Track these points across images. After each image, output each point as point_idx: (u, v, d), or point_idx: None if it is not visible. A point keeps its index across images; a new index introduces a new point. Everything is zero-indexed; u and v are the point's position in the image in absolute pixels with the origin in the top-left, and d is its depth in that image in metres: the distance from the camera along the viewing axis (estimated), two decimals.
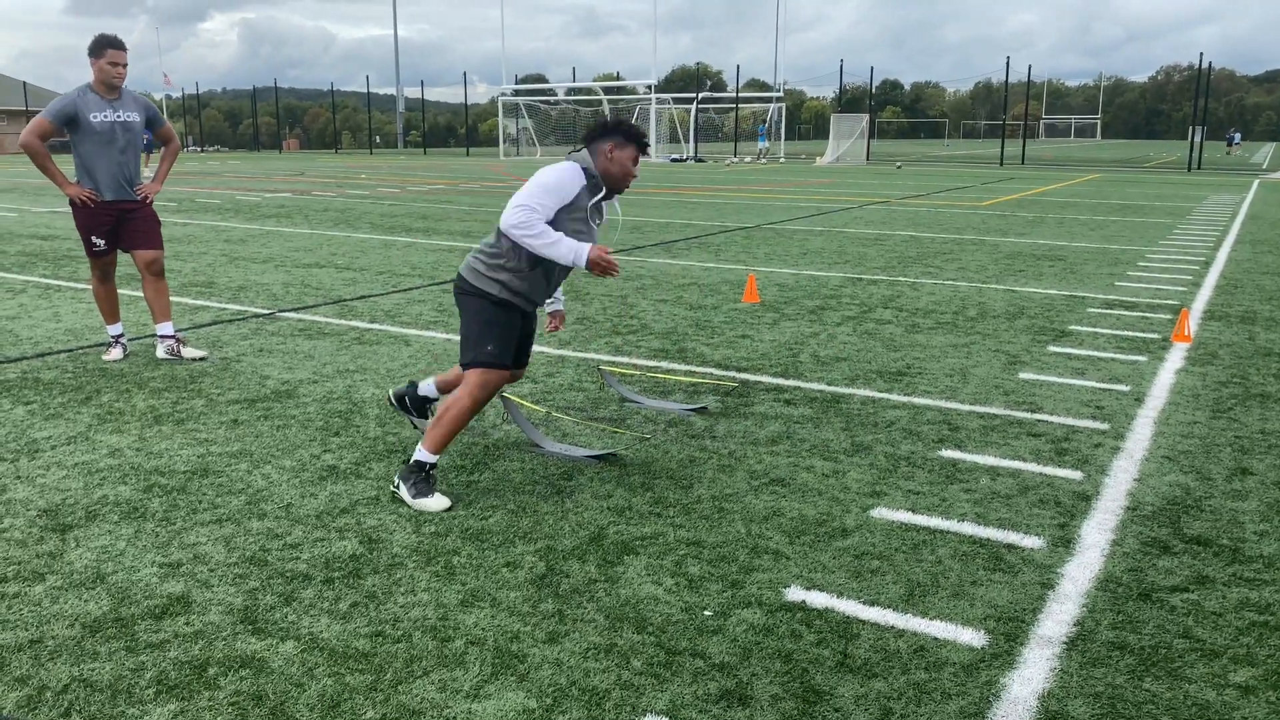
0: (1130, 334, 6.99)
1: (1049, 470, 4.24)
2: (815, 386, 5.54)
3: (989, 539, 3.54)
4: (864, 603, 3.05)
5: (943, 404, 5.23)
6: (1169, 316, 7.63)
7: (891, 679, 2.64)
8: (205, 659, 2.70)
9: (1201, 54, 42.92)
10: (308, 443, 4.51)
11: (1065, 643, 2.84)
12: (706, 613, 2.98)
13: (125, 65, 5.81)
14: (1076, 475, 4.19)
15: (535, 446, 4.44)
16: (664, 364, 6.01)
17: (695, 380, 5.64)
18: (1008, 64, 40.63)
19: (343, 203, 18.95)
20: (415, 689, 2.58)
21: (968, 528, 3.62)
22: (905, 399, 5.32)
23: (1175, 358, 6.29)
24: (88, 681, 2.59)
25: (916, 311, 7.80)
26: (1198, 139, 37.03)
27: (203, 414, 4.93)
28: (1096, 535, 3.58)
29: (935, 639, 2.85)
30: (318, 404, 5.12)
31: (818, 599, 3.07)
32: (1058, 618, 2.98)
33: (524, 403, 4.90)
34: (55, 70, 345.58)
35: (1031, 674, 2.68)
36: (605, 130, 4.03)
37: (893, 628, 2.91)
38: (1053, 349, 6.52)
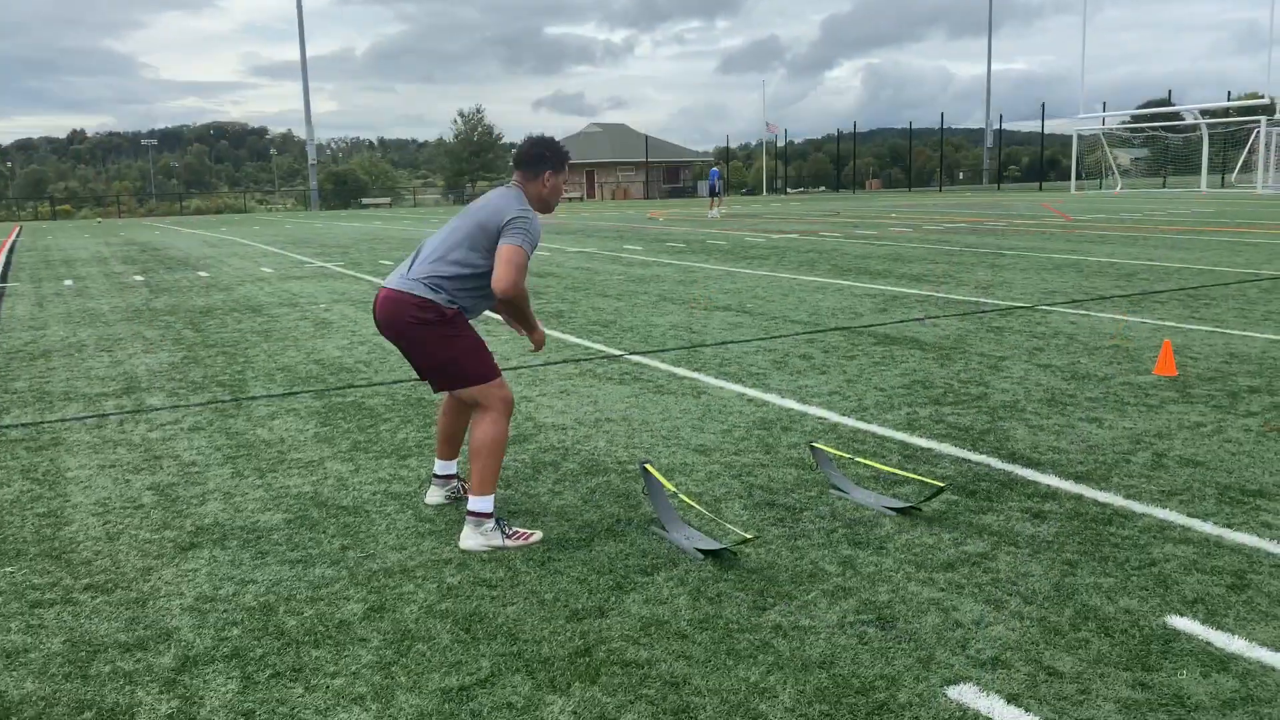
0: None
1: None
2: (1104, 498, 4.19)
3: None
4: None
5: (1274, 547, 3.62)
6: None
7: None
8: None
9: None
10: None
11: None
12: None
13: None
14: None
15: (660, 528, 3.95)
16: (942, 447, 5.00)
17: (900, 473, 4.61)
18: None
19: (833, 244, 18.94)
20: None
21: None
22: (1220, 531, 3.78)
23: None
24: None
25: None
26: None
27: (433, 450, 5.19)
28: None
29: None
30: (544, 452, 5.11)
31: None
32: None
33: (662, 480, 4.43)
34: (703, 124, 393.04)
35: None
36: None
37: None
38: None
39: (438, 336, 3.85)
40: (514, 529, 3.89)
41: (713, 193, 34.71)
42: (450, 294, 3.87)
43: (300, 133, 78.23)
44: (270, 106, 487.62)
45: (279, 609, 3.36)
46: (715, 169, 35.81)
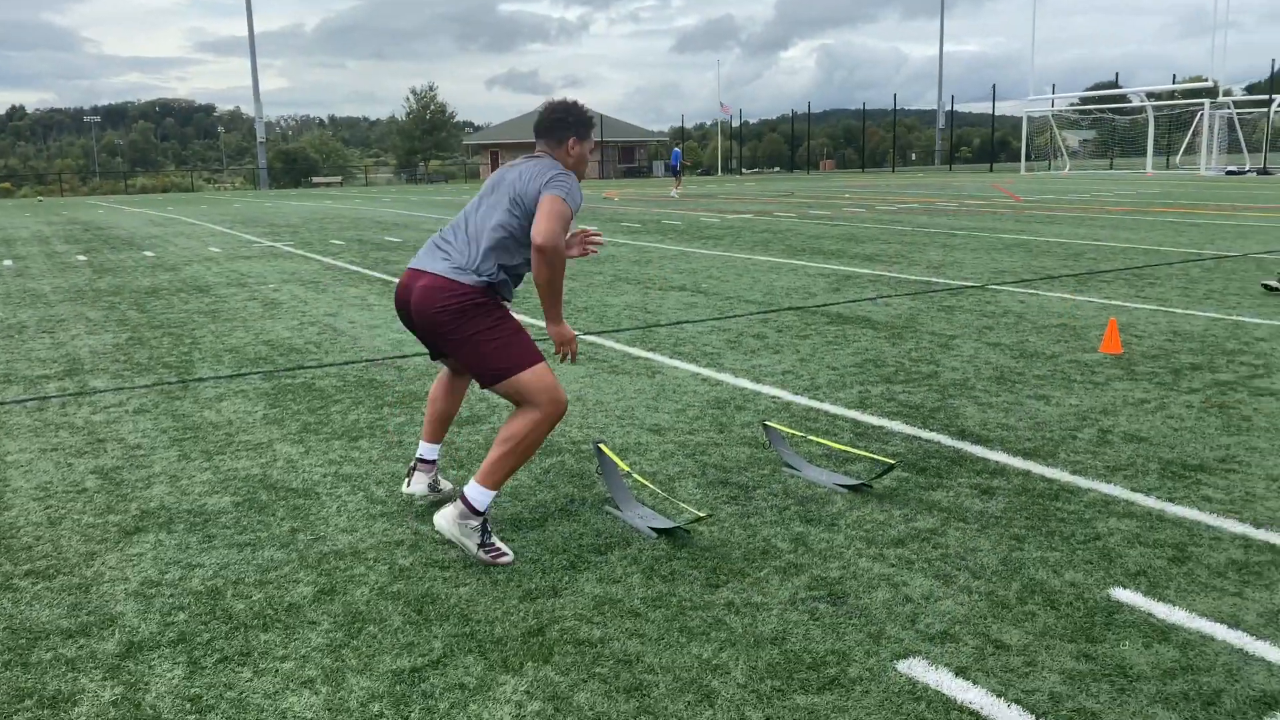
0: None
1: (1262, 650, 2.77)
2: (1051, 473, 4.26)
3: None
4: None
5: (1213, 520, 3.71)
6: None
7: None
8: None
9: None
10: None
11: None
12: None
13: None
14: None
15: (614, 507, 3.95)
16: (893, 425, 5.05)
17: (852, 451, 4.65)
18: None
19: (789, 224, 19.01)
20: None
21: None
22: (1163, 505, 3.86)
23: None
24: None
25: None
26: None
27: (385, 431, 5.14)
28: None
29: None
30: (497, 433, 5.08)
31: None
32: None
33: (616, 459, 4.42)
34: (657, 104, 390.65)
35: None
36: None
37: None
38: None
39: (480, 325, 3.52)
40: (493, 543, 3.50)
41: (674, 172, 34.90)
42: (487, 275, 3.56)
43: (249, 110, 76.92)
44: (218, 83, 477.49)
45: (227, 593, 3.31)
46: (677, 150, 35.90)
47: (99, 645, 2.97)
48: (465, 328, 3.52)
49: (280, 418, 5.48)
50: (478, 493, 3.50)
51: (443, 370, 4.05)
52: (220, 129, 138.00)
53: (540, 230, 3.43)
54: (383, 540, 3.72)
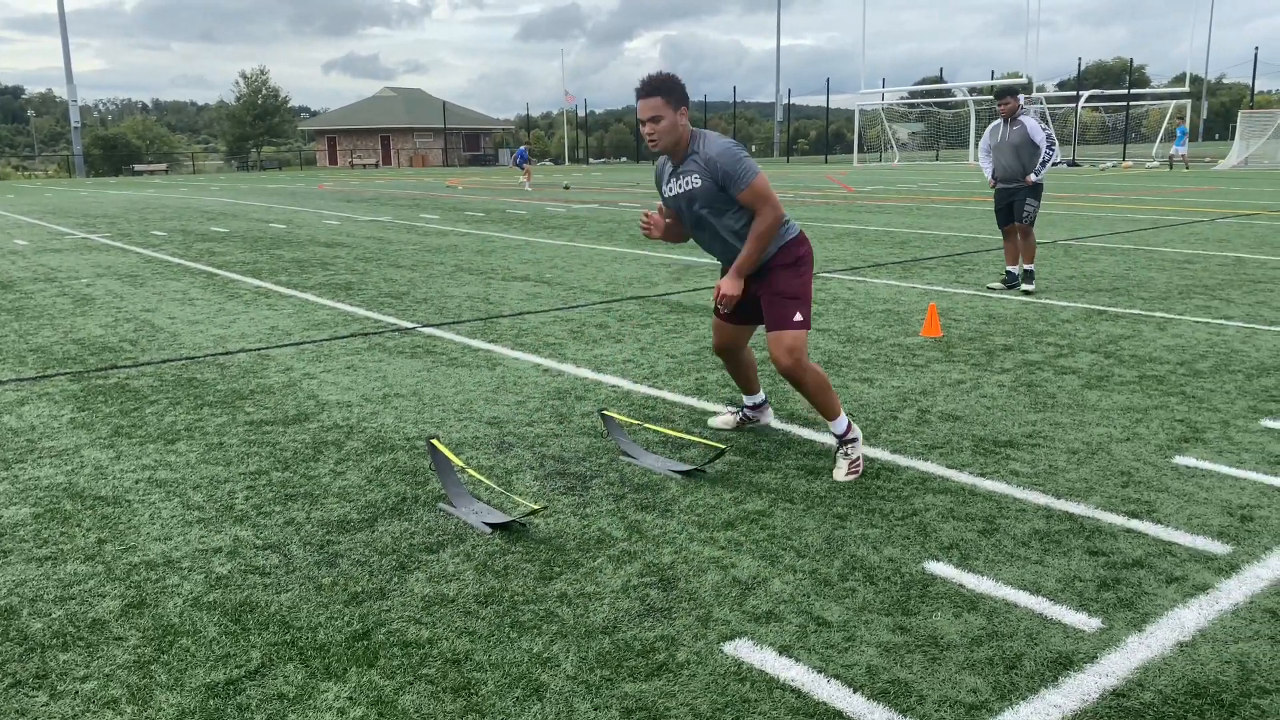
0: None
1: (1058, 613, 2.96)
2: (873, 453, 4.44)
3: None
4: None
5: (1020, 492, 3.94)
6: None
7: None
8: None
9: None
10: (240, 475, 4.28)
11: None
12: None
13: (651, 121, 4.07)
14: (1093, 624, 2.88)
15: (447, 504, 3.88)
16: (727, 411, 5.15)
17: (687, 438, 4.75)
18: None
19: (632, 214, 19.16)
20: None
21: (832, 694, 2.57)
22: (975, 480, 4.08)
23: None
24: None
25: (1127, 360, 6.15)
26: None
27: (204, 433, 4.89)
28: None
29: None
30: (326, 431, 4.91)
31: None
32: None
33: (449, 454, 4.36)
34: (503, 91, 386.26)
35: None
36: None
37: None
38: (1268, 424, 4.79)
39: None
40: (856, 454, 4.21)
41: (520, 166, 34.62)
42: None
43: (62, 93, 71.87)
44: (26, 63, 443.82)
45: (22, 611, 3.08)
46: (523, 148, 35.76)
47: None
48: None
49: (89, 421, 5.15)
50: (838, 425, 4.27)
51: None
52: (30, 113, 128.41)
53: (763, 216, 4.18)
54: (199, 548, 3.53)
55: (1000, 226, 9.14)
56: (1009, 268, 9.07)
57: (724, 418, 4.89)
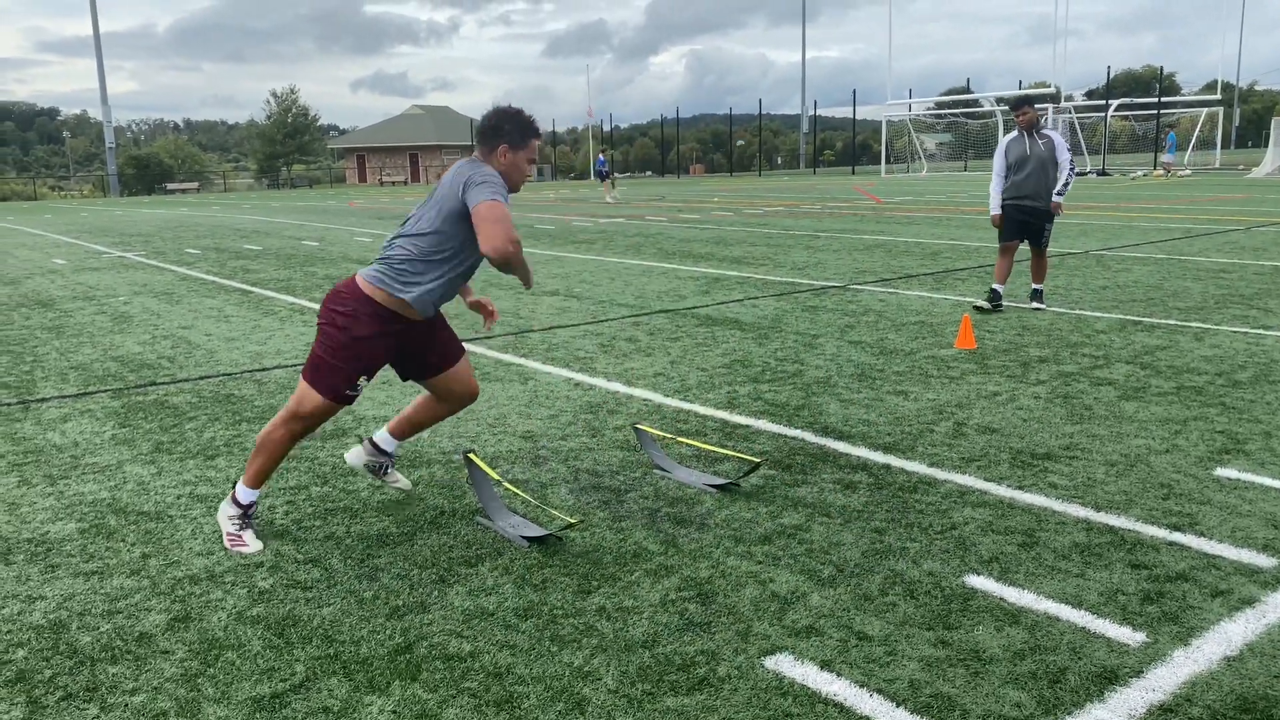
0: None
1: (1102, 627, 2.93)
2: (910, 466, 4.42)
3: None
4: None
5: (1059, 505, 3.91)
6: None
7: None
8: None
9: None
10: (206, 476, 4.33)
11: None
12: None
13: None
14: (1137, 638, 2.86)
15: (485, 517, 3.91)
16: (759, 424, 5.15)
17: (721, 451, 4.75)
18: None
19: (659, 228, 19.20)
20: None
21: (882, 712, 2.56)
22: (1013, 493, 4.05)
23: None
24: None
25: (1164, 371, 6.09)
26: None
27: (244, 448, 4.94)
28: None
29: None
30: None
31: None
32: None
33: (486, 468, 4.39)
34: (529, 107, 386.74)
35: None
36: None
37: None
38: None
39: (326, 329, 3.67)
40: (243, 533, 3.73)
41: (602, 177, 33.98)
42: (392, 280, 3.62)
43: (96, 114, 73.10)
44: (62, 85, 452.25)
45: (71, 625, 3.13)
46: (601, 157, 35.11)
47: None
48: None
49: (130, 437, 5.22)
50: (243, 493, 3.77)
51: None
52: (66, 134, 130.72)
53: (486, 238, 3.41)
54: (241, 563, 3.58)
55: (1004, 240, 8.43)
56: (996, 285, 8.36)
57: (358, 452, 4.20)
